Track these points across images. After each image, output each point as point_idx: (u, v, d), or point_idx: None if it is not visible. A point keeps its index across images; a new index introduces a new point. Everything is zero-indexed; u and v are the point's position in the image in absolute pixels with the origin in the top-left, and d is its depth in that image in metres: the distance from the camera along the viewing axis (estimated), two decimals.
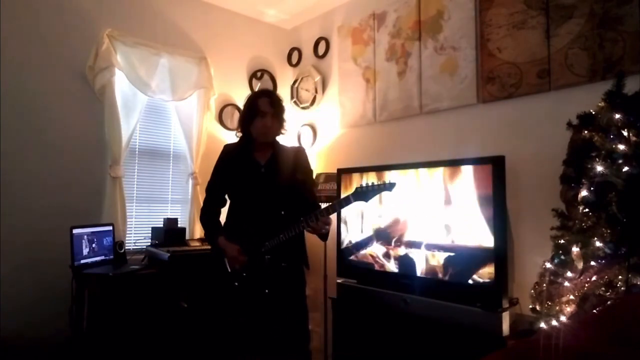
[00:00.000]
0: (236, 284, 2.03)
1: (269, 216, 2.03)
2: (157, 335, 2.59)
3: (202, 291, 2.76)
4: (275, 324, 2.03)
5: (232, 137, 3.66)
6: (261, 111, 2.03)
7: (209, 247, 2.95)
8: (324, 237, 2.09)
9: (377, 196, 1.95)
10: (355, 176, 2.76)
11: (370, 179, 2.71)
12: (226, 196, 2.20)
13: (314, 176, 3.41)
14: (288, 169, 2.10)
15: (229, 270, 2.06)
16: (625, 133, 1.71)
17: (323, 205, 2.08)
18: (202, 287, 2.78)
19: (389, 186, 1.91)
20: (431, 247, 2.38)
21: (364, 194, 1.90)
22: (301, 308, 2.11)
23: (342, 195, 2.00)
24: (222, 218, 2.23)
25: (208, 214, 2.18)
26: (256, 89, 3.83)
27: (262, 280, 2.02)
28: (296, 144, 2.33)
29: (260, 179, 2.09)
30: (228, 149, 2.21)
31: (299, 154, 2.19)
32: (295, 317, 2.07)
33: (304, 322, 2.13)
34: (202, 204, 2.24)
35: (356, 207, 1.99)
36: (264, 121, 2.04)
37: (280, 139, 2.21)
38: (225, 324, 2.12)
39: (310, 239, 2.24)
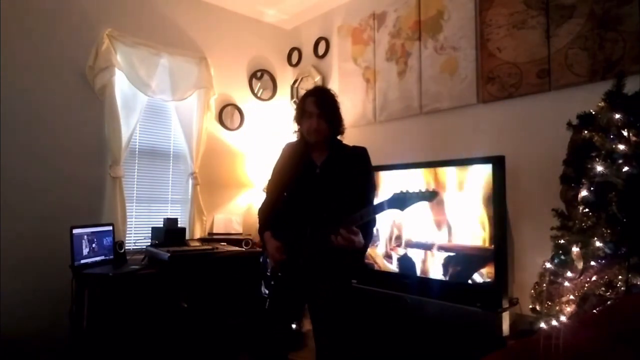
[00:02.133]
0: (272, 282, 1.94)
1: (313, 219, 1.88)
2: (157, 335, 2.59)
3: (201, 291, 2.76)
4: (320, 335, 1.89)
5: (232, 137, 3.67)
6: (307, 112, 1.93)
7: (209, 247, 3.00)
8: (359, 253, 1.89)
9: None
10: None
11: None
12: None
13: None
14: (345, 171, 1.94)
15: (269, 267, 1.98)
16: (625, 133, 1.71)
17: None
18: (203, 287, 2.79)
19: (430, 195, 1.66)
20: (431, 247, 2.38)
21: (400, 201, 1.69)
22: (335, 328, 1.88)
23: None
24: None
25: (264, 210, 2.06)
26: (256, 90, 3.84)
27: (297, 285, 1.89)
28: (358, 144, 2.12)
29: (314, 180, 1.95)
30: (287, 148, 2.08)
31: (359, 156, 2.01)
32: (328, 335, 1.88)
33: (338, 342, 1.87)
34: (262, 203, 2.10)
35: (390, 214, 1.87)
36: (310, 122, 1.92)
37: (342, 138, 2.05)
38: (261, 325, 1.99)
39: None
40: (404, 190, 1.69)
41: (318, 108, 1.93)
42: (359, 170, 1.98)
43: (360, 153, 2.03)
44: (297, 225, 1.91)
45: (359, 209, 1.83)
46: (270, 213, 2.05)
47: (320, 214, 1.87)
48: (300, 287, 1.90)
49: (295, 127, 2.04)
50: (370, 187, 2.02)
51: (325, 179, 1.95)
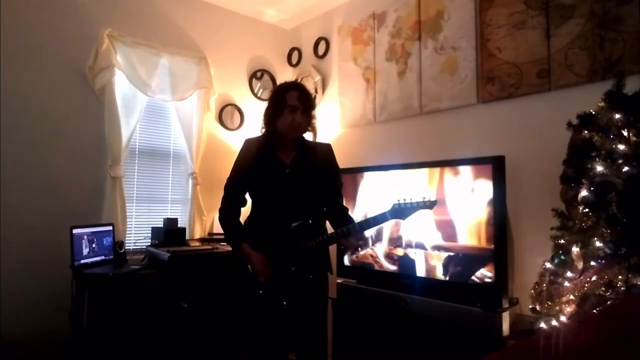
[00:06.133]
0: (261, 292, 1.88)
1: (296, 223, 1.87)
2: (157, 335, 2.59)
3: (201, 291, 2.76)
4: (294, 336, 1.93)
5: (232, 137, 3.67)
6: (290, 105, 1.86)
7: (209, 247, 2.99)
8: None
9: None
10: (356, 176, 2.77)
11: (369, 179, 2.71)
12: (247, 196, 2.03)
13: None
14: (315, 169, 1.93)
15: (255, 278, 1.91)
16: (625, 133, 1.71)
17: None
18: (203, 287, 2.79)
19: (429, 204, 1.74)
20: (431, 247, 2.38)
21: (401, 211, 1.76)
22: (321, 322, 1.99)
23: (378, 213, 1.82)
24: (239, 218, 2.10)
25: (229, 214, 1.98)
26: (256, 90, 3.84)
27: (287, 290, 1.88)
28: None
29: (285, 180, 1.90)
30: (250, 144, 2.00)
31: (326, 152, 2.03)
32: (314, 331, 1.95)
33: (322, 336, 2.01)
34: (221, 202, 2.00)
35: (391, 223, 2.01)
36: (294, 116, 1.86)
37: (306, 135, 2.04)
38: (248, 330, 2.00)
39: None
40: (404, 200, 1.77)
41: (302, 102, 1.88)
42: (328, 166, 2.00)
43: (327, 149, 2.05)
44: (275, 231, 1.87)
45: (332, 205, 1.97)
46: (236, 217, 1.99)
47: (304, 219, 1.86)
48: (286, 292, 1.88)
49: (262, 122, 1.97)
50: (340, 183, 2.07)
51: (295, 179, 1.90)
